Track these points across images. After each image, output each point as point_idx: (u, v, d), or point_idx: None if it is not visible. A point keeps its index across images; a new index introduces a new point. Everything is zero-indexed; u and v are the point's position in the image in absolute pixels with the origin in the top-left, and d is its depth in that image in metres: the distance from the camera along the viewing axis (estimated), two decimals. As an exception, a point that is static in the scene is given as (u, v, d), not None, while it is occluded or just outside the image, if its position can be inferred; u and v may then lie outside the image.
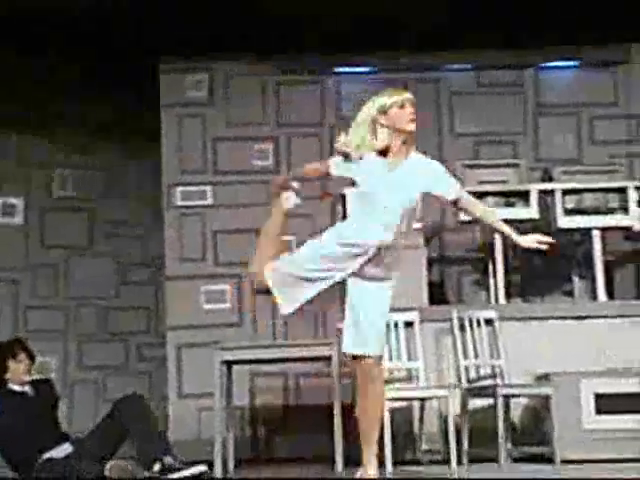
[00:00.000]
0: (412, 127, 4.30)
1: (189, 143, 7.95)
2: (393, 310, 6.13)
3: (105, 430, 4.92)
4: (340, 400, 5.91)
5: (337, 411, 5.89)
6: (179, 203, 7.87)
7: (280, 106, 8.03)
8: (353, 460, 6.10)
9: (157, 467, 4.62)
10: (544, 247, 4.36)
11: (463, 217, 6.77)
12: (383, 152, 4.33)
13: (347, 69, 8.13)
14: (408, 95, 4.36)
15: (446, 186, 4.40)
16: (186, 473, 4.62)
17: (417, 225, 7.00)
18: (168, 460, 4.63)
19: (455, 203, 4.44)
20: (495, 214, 4.62)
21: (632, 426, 5.87)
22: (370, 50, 7.88)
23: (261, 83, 8.03)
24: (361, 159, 4.32)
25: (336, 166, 4.41)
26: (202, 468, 4.68)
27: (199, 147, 7.96)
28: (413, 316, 6.34)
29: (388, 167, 4.32)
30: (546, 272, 7.37)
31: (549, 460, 5.81)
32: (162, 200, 7.90)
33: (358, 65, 8.13)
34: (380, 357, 4.40)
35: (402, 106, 4.30)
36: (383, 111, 4.29)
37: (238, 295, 7.78)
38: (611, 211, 6.92)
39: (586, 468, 5.48)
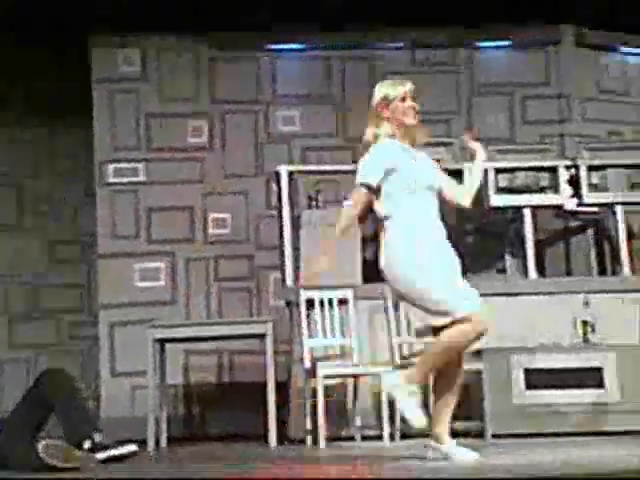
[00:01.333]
0: (412, 121, 4.37)
1: (122, 119, 7.84)
2: (327, 288, 6.24)
3: (29, 406, 4.81)
4: (274, 377, 5.92)
5: (271, 388, 5.90)
6: (111, 180, 7.77)
7: (214, 82, 7.97)
8: (286, 437, 6.15)
9: (87, 445, 4.57)
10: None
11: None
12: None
13: (282, 46, 8.09)
14: (410, 86, 4.40)
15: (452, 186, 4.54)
16: (116, 452, 4.57)
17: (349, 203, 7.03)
18: (98, 437, 4.57)
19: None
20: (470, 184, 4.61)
21: (560, 401, 5.98)
22: (305, 27, 7.85)
23: (195, 59, 7.96)
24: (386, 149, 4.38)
25: (371, 180, 4.38)
26: (132, 447, 4.64)
27: (132, 123, 7.86)
28: (347, 294, 6.36)
29: (411, 153, 4.41)
30: (479, 250, 7.44)
31: (480, 435, 5.89)
32: (94, 177, 7.79)
33: (293, 42, 8.09)
34: None
35: (404, 99, 4.35)
36: (386, 103, 4.35)
37: (172, 273, 7.73)
38: (542, 190, 7.01)
39: (516, 442, 5.57)
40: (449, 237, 4.48)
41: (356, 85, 7.98)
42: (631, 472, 3.38)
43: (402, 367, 6.15)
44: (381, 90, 4.38)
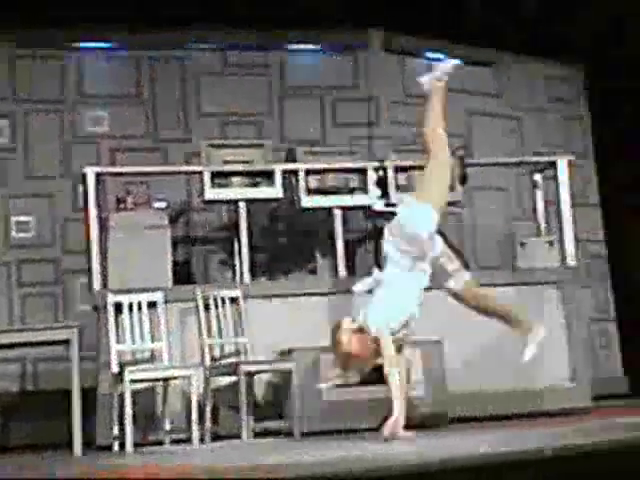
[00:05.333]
0: None
1: None
2: (136, 291, 6.11)
3: None
4: (79, 384, 5.73)
5: (76, 395, 5.71)
6: None
7: (17, 81, 7.66)
8: (91, 444, 5.96)
9: None
10: None
11: (208, 197, 6.75)
12: None
13: (90, 44, 7.88)
14: None
15: None
16: None
17: (161, 204, 6.92)
18: None
19: None
20: None
21: (366, 397, 6.04)
22: (114, 26, 7.68)
23: (-4, 56, 7.65)
24: None
25: None
26: None
27: None
28: (157, 296, 6.23)
29: None
30: (290, 251, 7.48)
31: (291, 434, 5.89)
32: None
33: (101, 41, 7.90)
34: None
35: None
36: None
37: (-26, 278, 7.39)
38: (352, 191, 7.10)
39: (322, 439, 5.60)
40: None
41: (166, 86, 7.89)
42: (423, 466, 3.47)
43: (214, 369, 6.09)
44: None
